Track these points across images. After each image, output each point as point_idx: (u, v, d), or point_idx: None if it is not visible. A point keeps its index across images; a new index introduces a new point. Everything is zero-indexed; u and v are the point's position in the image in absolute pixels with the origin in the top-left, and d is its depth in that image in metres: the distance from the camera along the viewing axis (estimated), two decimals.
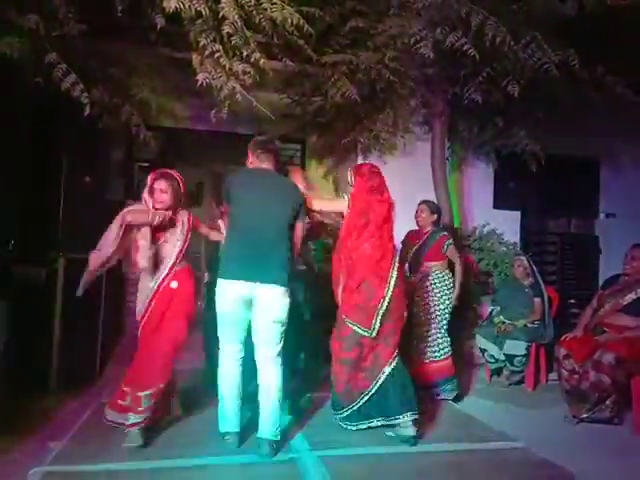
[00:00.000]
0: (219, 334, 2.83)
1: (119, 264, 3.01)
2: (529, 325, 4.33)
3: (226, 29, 3.32)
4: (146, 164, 5.32)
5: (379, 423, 3.03)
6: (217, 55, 3.46)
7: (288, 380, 2.95)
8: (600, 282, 4.78)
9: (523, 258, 4.61)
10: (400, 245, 4.15)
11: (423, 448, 2.93)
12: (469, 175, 5.74)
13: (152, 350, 2.85)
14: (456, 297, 3.89)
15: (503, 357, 4.26)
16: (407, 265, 4.06)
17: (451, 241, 3.98)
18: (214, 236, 3.23)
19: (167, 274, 2.92)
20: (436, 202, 4.82)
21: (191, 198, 3.28)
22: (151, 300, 2.90)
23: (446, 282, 3.92)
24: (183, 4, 3.20)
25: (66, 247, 3.77)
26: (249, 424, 2.91)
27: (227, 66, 3.48)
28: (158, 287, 2.90)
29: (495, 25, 3.57)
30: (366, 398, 3.01)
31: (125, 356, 3.55)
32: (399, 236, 4.24)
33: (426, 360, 3.82)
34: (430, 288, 3.90)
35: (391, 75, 4.34)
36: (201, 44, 3.46)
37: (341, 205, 3.18)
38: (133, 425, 2.72)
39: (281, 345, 2.78)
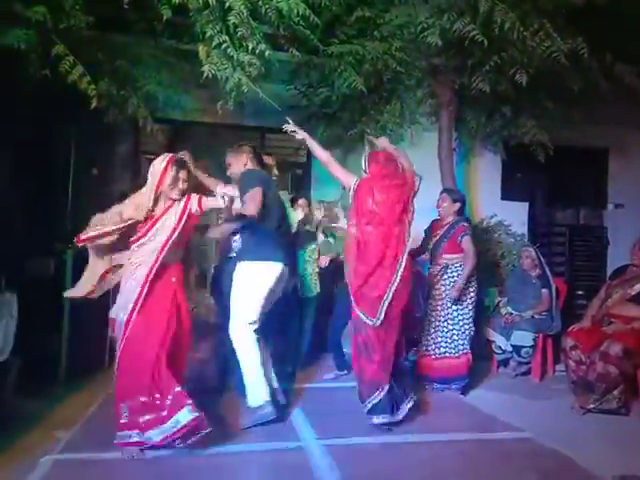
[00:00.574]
0: (248, 310, 2.98)
1: None
2: (536, 316, 4.32)
3: (232, 20, 3.31)
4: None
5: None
6: (224, 46, 3.45)
7: None
8: (608, 273, 4.76)
9: (530, 249, 4.58)
10: (422, 234, 4.06)
11: (429, 438, 2.94)
12: (477, 166, 5.71)
13: None
14: (457, 289, 3.68)
15: (510, 348, 4.26)
16: (429, 256, 3.97)
17: (468, 232, 3.79)
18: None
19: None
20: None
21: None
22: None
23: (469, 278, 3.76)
24: None
25: (74, 238, 3.79)
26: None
27: (234, 57, 3.47)
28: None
29: (504, 11, 3.53)
30: (383, 393, 2.95)
31: None
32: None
33: (439, 355, 3.79)
34: (447, 282, 3.77)
35: (398, 65, 4.31)
36: (207, 35, 3.45)
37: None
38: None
39: None
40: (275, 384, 3.17)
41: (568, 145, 5.45)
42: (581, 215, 6.44)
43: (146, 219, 2.68)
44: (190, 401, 2.51)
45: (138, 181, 3.38)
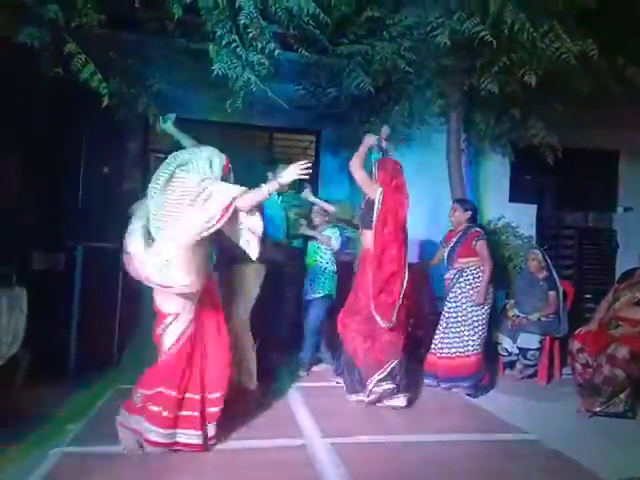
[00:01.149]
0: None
1: None
2: (543, 319, 4.30)
3: (242, 19, 3.34)
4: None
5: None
6: (233, 45, 3.48)
7: None
8: (617, 276, 4.73)
9: (537, 251, 4.56)
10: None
11: (435, 438, 2.94)
12: (485, 167, 5.71)
13: None
14: (481, 294, 3.81)
15: (517, 350, 4.24)
16: (445, 262, 4.10)
17: (482, 237, 3.92)
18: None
19: None
20: (452, 195, 4.81)
21: None
22: None
23: (481, 279, 3.86)
24: None
25: (84, 235, 3.84)
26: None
27: (243, 56, 3.50)
28: None
29: (514, 12, 3.53)
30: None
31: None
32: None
33: (451, 354, 3.84)
34: (463, 285, 3.89)
35: (407, 65, 4.31)
36: (217, 34, 3.48)
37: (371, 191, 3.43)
38: None
39: None
40: None
41: (577, 147, 5.42)
42: (590, 218, 6.41)
43: None
44: (209, 430, 2.58)
45: (148, 179, 3.42)
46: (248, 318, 3.27)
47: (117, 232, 3.13)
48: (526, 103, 4.78)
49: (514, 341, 4.24)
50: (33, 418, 2.88)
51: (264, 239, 2.65)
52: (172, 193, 2.44)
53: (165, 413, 2.48)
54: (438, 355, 3.89)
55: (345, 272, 4.33)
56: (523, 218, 5.48)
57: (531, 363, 4.27)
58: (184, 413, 2.53)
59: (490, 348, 4.09)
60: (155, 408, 2.49)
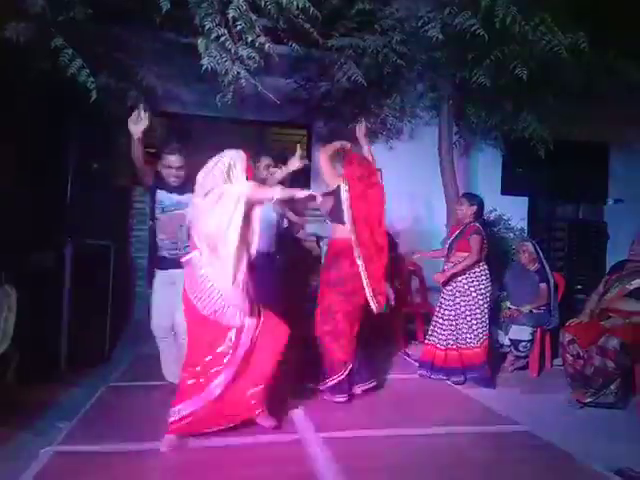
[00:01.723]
0: None
1: None
2: (534, 311, 4.32)
3: (231, 13, 3.30)
4: (152, 150, 5.34)
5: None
6: (222, 39, 3.44)
7: None
8: (607, 268, 4.77)
9: (528, 243, 4.58)
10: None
11: (426, 431, 2.95)
12: (477, 160, 5.72)
13: None
14: (443, 276, 3.88)
15: (508, 342, 4.27)
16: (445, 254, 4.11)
17: (477, 232, 3.90)
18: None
19: None
20: (444, 188, 4.81)
21: None
22: None
23: (477, 274, 3.88)
24: None
25: (74, 232, 3.81)
26: None
27: (232, 50, 3.46)
28: None
29: (505, 5, 3.52)
30: (345, 374, 3.30)
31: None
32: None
33: (447, 346, 3.90)
34: (459, 279, 3.91)
35: (398, 59, 4.30)
36: (206, 28, 3.44)
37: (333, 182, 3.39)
38: None
39: None
40: None
41: (568, 140, 5.44)
42: (581, 210, 6.45)
43: None
44: None
45: (137, 175, 3.40)
46: None
47: (107, 228, 3.12)
48: (517, 96, 4.78)
49: (506, 333, 4.26)
50: (23, 417, 2.86)
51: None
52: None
53: None
54: (435, 346, 3.94)
55: None
56: (515, 210, 5.51)
57: (522, 355, 4.30)
58: None
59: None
60: None
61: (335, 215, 3.36)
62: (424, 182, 5.11)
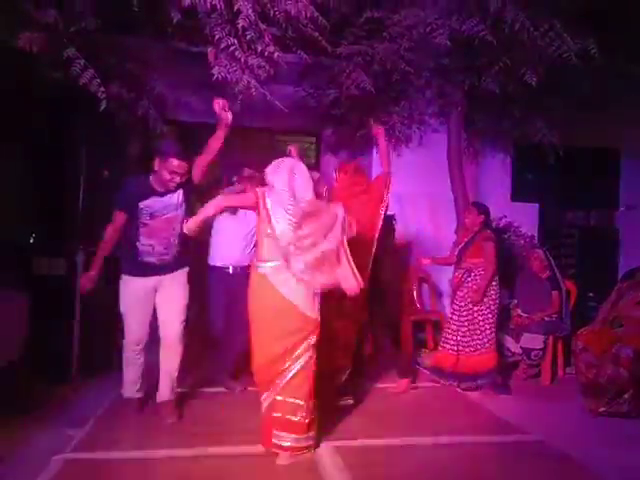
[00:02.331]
0: None
1: None
2: (546, 318, 4.28)
3: (241, 22, 3.33)
4: None
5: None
6: (232, 49, 3.47)
7: None
8: (620, 275, 4.71)
9: (539, 251, 4.55)
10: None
11: (438, 440, 2.93)
12: (486, 167, 5.68)
13: None
14: (479, 293, 3.83)
15: (520, 350, 4.23)
16: (455, 261, 4.13)
17: (491, 239, 3.94)
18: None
19: None
20: (454, 196, 4.80)
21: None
22: None
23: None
24: None
25: (85, 239, 3.84)
26: None
27: (242, 60, 3.49)
28: None
29: (514, 11, 3.52)
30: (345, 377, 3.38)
31: None
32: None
33: (462, 352, 3.90)
34: (470, 285, 3.93)
35: (407, 66, 4.30)
36: (216, 38, 3.47)
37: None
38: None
39: None
40: None
41: (579, 146, 5.40)
42: (592, 216, 6.38)
43: None
44: None
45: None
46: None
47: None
48: (527, 102, 4.76)
49: (517, 341, 4.23)
50: (34, 424, 2.87)
51: None
52: None
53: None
54: (448, 353, 3.95)
55: None
56: (525, 217, 5.47)
57: (534, 363, 4.25)
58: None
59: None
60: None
61: None
62: (433, 189, 5.09)
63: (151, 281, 3.03)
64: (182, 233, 2.87)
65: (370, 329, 3.72)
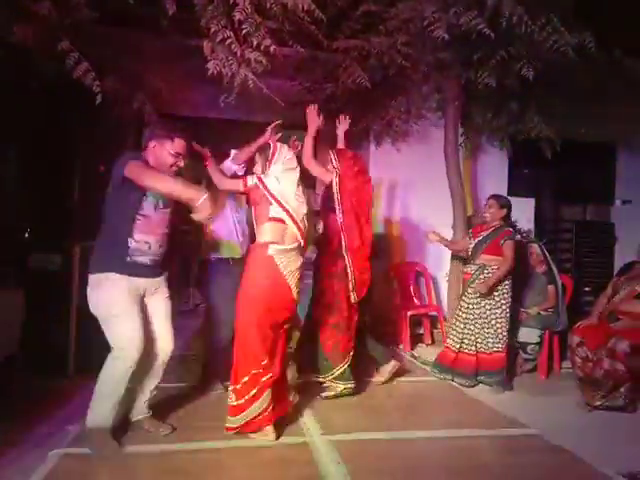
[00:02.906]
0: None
1: None
2: (542, 313, 4.30)
3: (237, 15, 3.30)
4: None
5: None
6: (228, 42, 3.44)
7: None
8: (616, 269, 4.73)
9: (535, 245, 4.56)
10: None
11: (434, 434, 2.94)
12: (483, 161, 5.69)
13: None
14: (487, 286, 3.75)
15: (516, 345, 4.24)
16: (468, 255, 4.08)
17: (512, 237, 3.88)
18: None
19: None
20: (450, 190, 4.79)
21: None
22: None
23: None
24: None
25: (81, 234, 3.82)
26: None
27: (238, 53, 3.47)
28: None
29: (511, 4, 3.50)
30: (348, 363, 3.42)
31: None
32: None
33: (470, 350, 3.85)
34: (482, 282, 3.85)
35: (404, 60, 4.27)
36: (212, 31, 3.44)
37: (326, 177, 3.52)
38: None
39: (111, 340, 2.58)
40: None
41: (575, 141, 5.41)
42: (588, 211, 6.41)
43: None
44: None
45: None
46: None
47: None
48: (524, 96, 4.76)
49: (514, 335, 4.23)
50: (31, 419, 2.86)
51: None
52: None
53: None
54: (457, 350, 3.89)
55: None
56: (521, 212, 5.47)
57: (531, 357, 4.27)
58: None
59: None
60: None
61: (329, 207, 3.51)
62: (430, 183, 5.09)
63: (141, 283, 2.63)
64: (173, 229, 2.73)
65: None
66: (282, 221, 2.74)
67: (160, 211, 2.63)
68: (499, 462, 2.66)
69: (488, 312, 3.83)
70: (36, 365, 3.39)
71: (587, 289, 5.71)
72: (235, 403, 2.69)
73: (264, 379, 2.67)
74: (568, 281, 4.70)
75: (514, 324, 4.23)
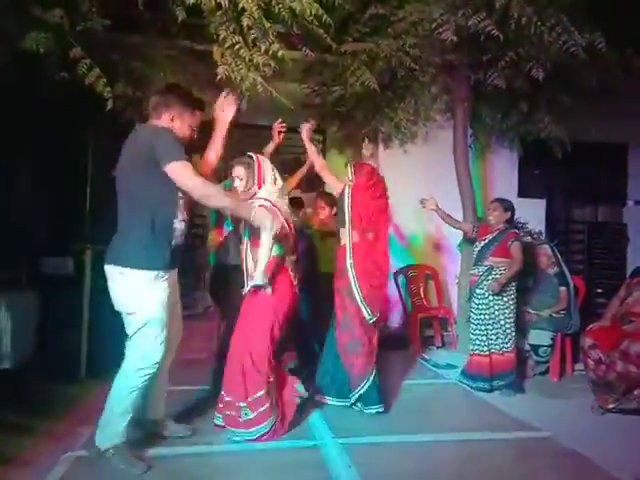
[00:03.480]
0: None
1: None
2: (554, 315, 4.26)
3: (245, 21, 3.33)
4: None
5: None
6: (237, 47, 3.47)
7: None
8: (628, 271, 4.68)
9: (546, 247, 4.53)
10: None
11: (446, 437, 2.92)
12: (493, 163, 5.66)
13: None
14: (498, 285, 3.72)
15: (528, 347, 4.21)
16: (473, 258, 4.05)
17: (519, 239, 3.90)
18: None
19: None
20: (460, 192, 4.78)
21: None
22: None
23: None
24: None
25: (93, 238, 3.86)
26: None
27: (247, 58, 3.49)
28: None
29: (521, 6, 3.49)
30: (369, 384, 3.21)
31: None
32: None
33: (481, 352, 3.82)
34: (490, 283, 3.82)
35: (412, 62, 4.28)
36: (221, 36, 3.47)
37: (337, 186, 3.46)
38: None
39: (132, 339, 2.35)
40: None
41: (586, 141, 5.36)
42: (600, 212, 6.34)
43: None
44: None
45: None
46: None
47: None
48: (533, 97, 4.73)
49: (525, 338, 4.21)
50: (45, 422, 2.89)
51: None
52: None
53: None
54: (468, 353, 3.89)
55: None
56: (532, 213, 5.44)
57: (543, 360, 4.24)
58: None
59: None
60: None
61: (339, 219, 3.47)
62: (439, 185, 5.06)
63: (171, 275, 2.42)
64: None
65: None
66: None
67: None
68: (512, 466, 2.64)
69: (497, 312, 3.81)
70: (49, 368, 3.42)
71: (599, 291, 5.65)
72: (252, 416, 2.70)
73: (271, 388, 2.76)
74: (580, 283, 4.65)
75: (521, 326, 4.22)
